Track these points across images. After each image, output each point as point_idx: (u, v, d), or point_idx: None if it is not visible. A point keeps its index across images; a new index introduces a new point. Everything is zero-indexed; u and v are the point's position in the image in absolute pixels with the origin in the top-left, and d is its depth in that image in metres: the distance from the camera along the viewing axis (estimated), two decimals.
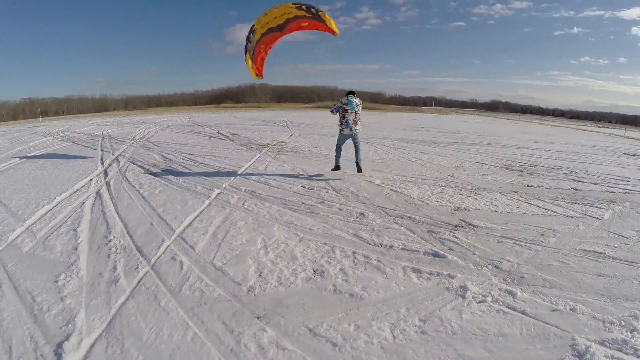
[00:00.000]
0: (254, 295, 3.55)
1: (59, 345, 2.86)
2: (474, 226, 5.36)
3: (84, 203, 6.60)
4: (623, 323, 3.14)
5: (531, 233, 5.14)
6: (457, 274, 3.97)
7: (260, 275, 3.92)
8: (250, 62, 9.52)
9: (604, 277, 3.95)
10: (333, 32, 9.28)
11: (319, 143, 13.98)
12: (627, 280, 3.90)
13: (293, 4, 9.02)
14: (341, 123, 8.30)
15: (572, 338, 2.96)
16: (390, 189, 7.30)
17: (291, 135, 16.88)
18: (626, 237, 5.07)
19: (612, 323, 3.14)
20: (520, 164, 10.75)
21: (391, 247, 4.66)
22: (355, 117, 8.19)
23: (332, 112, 8.50)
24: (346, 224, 5.41)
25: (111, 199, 6.85)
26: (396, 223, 5.44)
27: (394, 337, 2.99)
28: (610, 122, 65.65)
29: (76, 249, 4.68)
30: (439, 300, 3.50)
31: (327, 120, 22.80)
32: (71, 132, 20.72)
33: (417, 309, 3.35)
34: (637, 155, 14.29)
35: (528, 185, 7.93)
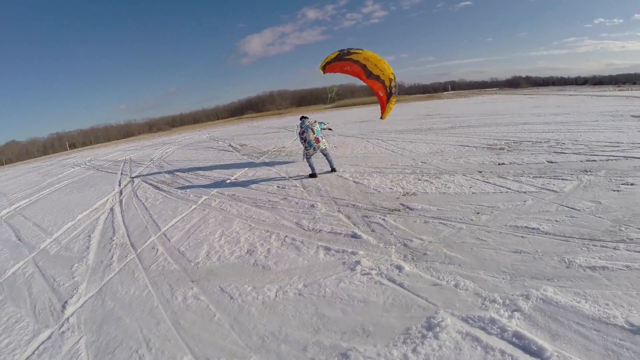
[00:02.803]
0: (197, 267, 5.08)
1: (65, 302, 4.70)
2: (410, 209, 5.95)
3: (99, 217, 8.53)
4: (507, 302, 3.22)
5: (466, 212, 5.51)
6: (360, 251, 4.68)
7: (207, 255, 5.43)
8: (330, 58, 11.03)
9: (519, 254, 4.07)
10: (381, 116, 11.66)
11: None
12: (545, 257, 3.95)
13: (393, 73, 10.89)
14: (305, 147, 9.60)
15: (435, 311, 3.24)
16: (354, 181, 8.28)
17: (294, 139, 18.36)
18: (577, 210, 5.13)
19: (493, 301, 3.27)
20: (507, 141, 11.22)
21: (320, 231, 5.60)
22: (314, 135, 9.47)
23: (302, 143, 9.79)
24: (295, 214, 6.65)
25: (121, 212, 8.76)
26: (339, 211, 6.40)
27: (275, 295, 3.98)
28: (634, 83, 62.09)
29: (88, 248, 6.57)
30: (329, 272, 4.28)
31: (336, 120, 23.99)
32: (97, 160, 23.52)
33: (306, 278, 4.24)
34: None
35: (499, 164, 8.31)
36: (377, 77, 10.84)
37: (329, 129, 10.79)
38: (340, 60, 10.91)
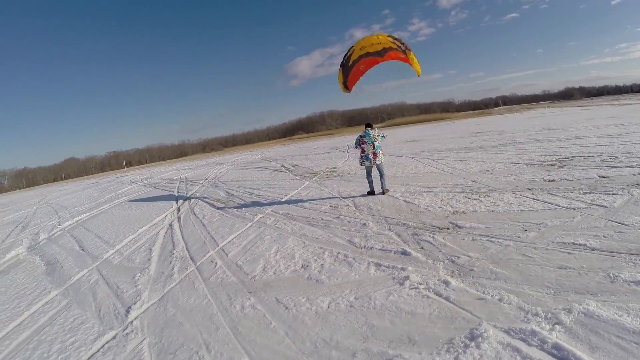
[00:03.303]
0: (254, 280, 5.48)
1: (129, 307, 5.20)
2: (459, 227, 6.16)
3: (158, 232, 9.23)
4: (549, 316, 3.35)
5: (513, 229, 5.67)
6: (409, 267, 4.91)
7: (263, 269, 5.83)
8: (342, 77, 10.92)
9: (565, 270, 4.19)
10: (417, 73, 11.00)
11: None
12: (590, 273, 4.04)
13: (388, 36, 10.64)
14: (361, 157, 9.91)
15: (478, 323, 3.40)
16: (405, 201, 8.58)
17: (346, 160, 19.03)
18: (626, 225, 5.17)
19: (535, 314, 3.41)
20: (558, 156, 11.22)
21: (371, 248, 5.89)
22: (374, 149, 9.67)
23: (355, 147, 10.11)
24: (347, 232, 6.98)
25: (179, 227, 9.42)
26: (389, 229, 6.68)
27: (328, 306, 4.26)
28: None
29: (149, 259, 7.17)
30: (379, 286, 4.52)
31: (387, 140, 24.18)
32: (153, 178, 25.02)
33: (357, 291, 4.50)
34: None
35: (549, 180, 8.41)
36: (383, 49, 10.51)
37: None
38: (351, 70, 10.76)
